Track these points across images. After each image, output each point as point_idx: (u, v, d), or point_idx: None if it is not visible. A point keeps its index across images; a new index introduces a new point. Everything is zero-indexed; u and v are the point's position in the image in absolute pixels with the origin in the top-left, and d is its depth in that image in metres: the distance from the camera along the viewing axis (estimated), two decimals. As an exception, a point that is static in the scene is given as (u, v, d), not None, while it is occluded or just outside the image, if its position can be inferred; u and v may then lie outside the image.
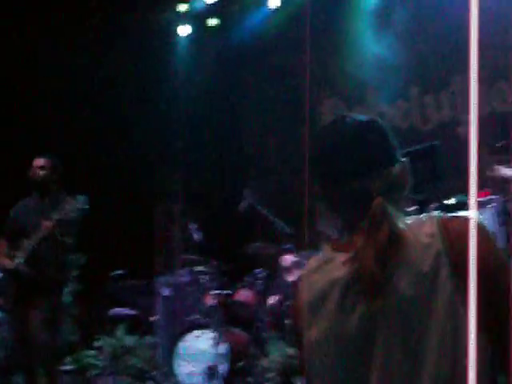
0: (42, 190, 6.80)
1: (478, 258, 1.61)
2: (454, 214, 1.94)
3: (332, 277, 1.85)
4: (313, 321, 1.86)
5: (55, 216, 6.55)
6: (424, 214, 1.91)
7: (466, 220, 1.78)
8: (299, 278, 1.98)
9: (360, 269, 1.80)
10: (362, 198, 1.88)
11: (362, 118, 2.02)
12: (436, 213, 1.91)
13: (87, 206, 6.71)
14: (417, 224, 1.85)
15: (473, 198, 2.00)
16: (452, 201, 5.73)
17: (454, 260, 1.76)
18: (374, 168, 1.92)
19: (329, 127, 2.06)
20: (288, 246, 8.23)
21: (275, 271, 8.37)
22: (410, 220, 1.87)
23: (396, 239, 1.80)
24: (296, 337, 1.98)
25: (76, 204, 6.66)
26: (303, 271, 1.98)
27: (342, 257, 1.86)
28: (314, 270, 1.92)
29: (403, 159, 1.97)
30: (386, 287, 1.77)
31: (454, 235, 1.79)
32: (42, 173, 6.73)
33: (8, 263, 6.80)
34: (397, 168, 1.92)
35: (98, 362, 7.67)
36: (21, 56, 10.48)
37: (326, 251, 1.95)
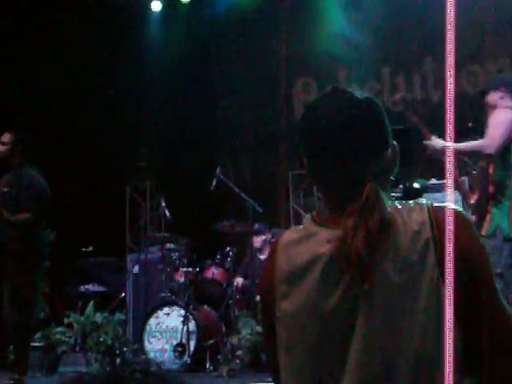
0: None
1: (460, 248, 1.66)
2: (442, 205, 1.86)
3: (316, 251, 1.81)
4: (291, 292, 1.83)
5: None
6: (413, 201, 1.88)
7: (454, 212, 1.75)
8: (275, 248, 1.92)
9: (348, 249, 1.76)
10: (356, 181, 1.85)
11: (360, 95, 1.94)
12: (424, 200, 1.88)
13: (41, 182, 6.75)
14: (407, 210, 1.83)
15: (449, 178, 1.97)
16: (416, 185, 5.75)
17: (440, 247, 1.73)
18: (373, 152, 1.88)
19: (325, 103, 1.96)
20: (260, 226, 8.24)
21: (245, 249, 8.39)
22: (400, 205, 1.85)
23: (387, 224, 1.79)
24: (263, 305, 1.97)
25: (24, 178, 6.70)
26: (281, 241, 1.91)
27: (326, 233, 1.83)
28: (294, 241, 1.87)
29: (394, 142, 1.93)
30: (373, 270, 1.75)
31: (442, 224, 1.76)
32: (2, 148, 6.76)
33: None
34: (389, 151, 1.90)
35: (67, 339, 7.62)
36: None
37: (308, 225, 1.90)
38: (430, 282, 1.75)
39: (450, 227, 1.08)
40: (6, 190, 6.73)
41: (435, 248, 1.76)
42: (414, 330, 1.74)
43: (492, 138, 5.47)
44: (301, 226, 1.94)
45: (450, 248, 1.09)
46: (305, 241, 1.85)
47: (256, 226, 8.17)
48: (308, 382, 1.81)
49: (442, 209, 1.81)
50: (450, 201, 1.62)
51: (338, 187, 1.90)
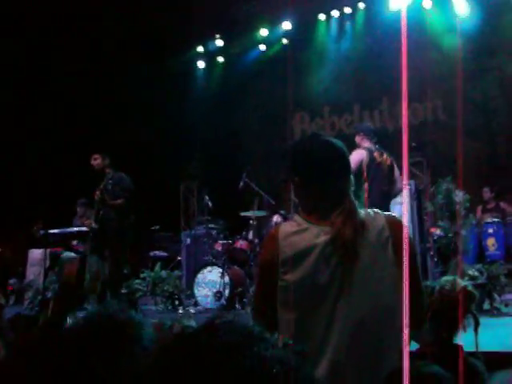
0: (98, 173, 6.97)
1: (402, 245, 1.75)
2: (390, 214, 2.00)
3: (313, 241, 1.83)
4: (294, 268, 1.81)
5: (101, 185, 6.74)
6: (371, 210, 1.94)
7: (399, 219, 1.93)
8: (276, 236, 1.88)
9: (340, 238, 1.80)
10: (339, 194, 1.91)
11: (331, 138, 2.03)
12: (377, 210, 1.96)
13: (127, 180, 6.83)
14: (371, 215, 1.90)
15: (405, 188, 2.10)
16: None
17: (395, 242, 1.84)
18: (348, 173, 1.96)
19: (317, 142, 1.98)
20: (281, 211, 8.13)
21: (263, 228, 8.36)
22: (364, 212, 1.91)
23: (362, 224, 1.86)
24: (265, 275, 1.90)
25: (117, 177, 6.80)
26: (281, 232, 1.88)
27: (315, 228, 1.85)
28: (292, 233, 1.86)
29: None
30: (355, 253, 1.81)
31: (394, 227, 1.88)
32: (95, 162, 6.87)
33: (88, 222, 6.99)
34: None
35: (142, 288, 7.61)
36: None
37: (299, 221, 1.90)
38: (390, 264, 1.82)
39: (405, 230, 1.18)
40: (105, 182, 6.86)
41: (392, 242, 1.84)
42: (381, 294, 1.81)
43: None
44: (293, 222, 1.92)
45: (406, 243, 1.19)
46: (301, 233, 1.86)
47: (278, 211, 8.07)
48: (308, 329, 1.80)
49: (392, 216, 1.94)
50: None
51: (326, 197, 1.91)
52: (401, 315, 1.21)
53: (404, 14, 1.43)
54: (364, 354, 1.77)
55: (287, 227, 1.90)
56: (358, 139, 5.73)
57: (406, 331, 1.24)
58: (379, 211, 1.96)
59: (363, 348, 1.77)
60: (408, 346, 1.14)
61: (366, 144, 5.64)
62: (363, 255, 1.81)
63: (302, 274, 1.81)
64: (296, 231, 1.87)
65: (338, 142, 1.99)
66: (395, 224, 1.89)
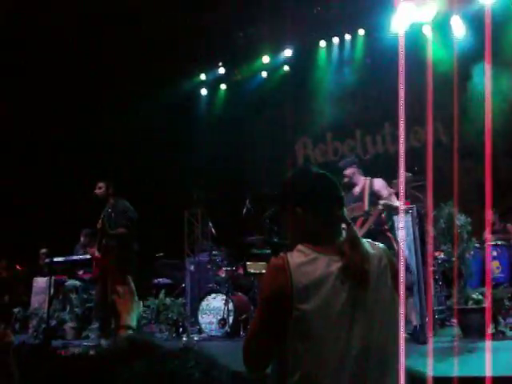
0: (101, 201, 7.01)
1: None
2: (383, 245, 2.05)
3: (326, 269, 1.85)
4: (310, 297, 1.81)
5: (102, 214, 6.77)
6: (366, 240, 2.00)
7: (390, 252, 2.01)
8: (287, 267, 1.85)
9: (352, 266, 1.86)
10: (338, 222, 1.98)
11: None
12: (377, 243, 2.03)
13: (130, 208, 6.87)
14: (369, 245, 1.98)
15: (401, 207, 2.18)
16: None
17: (391, 269, 1.95)
18: (343, 203, 2.02)
19: (315, 174, 2.04)
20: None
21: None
22: (364, 241, 1.98)
23: (366, 251, 1.92)
24: (276, 306, 1.84)
25: (119, 206, 6.82)
26: (292, 263, 1.86)
27: (324, 257, 1.88)
28: (304, 263, 1.86)
29: None
30: (366, 281, 1.87)
31: (389, 256, 1.98)
32: (99, 191, 6.91)
33: (92, 251, 7.02)
34: None
35: (146, 315, 7.62)
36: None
37: (305, 251, 1.90)
38: (389, 288, 1.92)
39: (401, 259, 1.22)
40: (107, 211, 6.88)
41: (390, 269, 1.94)
42: (387, 319, 1.88)
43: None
44: (297, 253, 1.90)
45: (401, 268, 1.23)
46: (313, 262, 1.86)
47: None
48: (325, 357, 1.80)
49: (385, 247, 2.02)
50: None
51: (330, 226, 1.96)
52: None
53: (402, 40, 1.47)
54: (373, 378, 1.82)
55: (295, 257, 1.88)
56: (350, 171, 5.89)
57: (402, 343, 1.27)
58: (377, 243, 2.03)
59: (373, 372, 1.82)
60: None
61: (361, 175, 5.98)
62: (371, 281, 1.87)
63: (320, 302, 1.82)
64: (307, 261, 1.87)
65: (333, 177, 2.06)
66: (389, 254, 2.00)
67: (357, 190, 5.92)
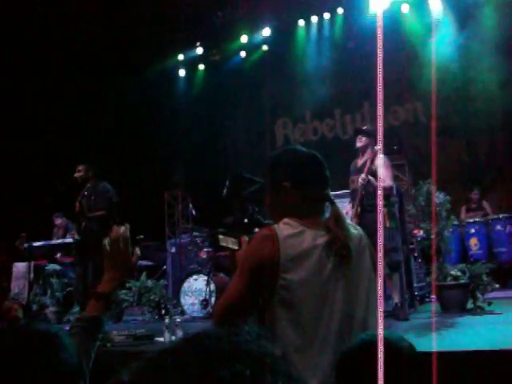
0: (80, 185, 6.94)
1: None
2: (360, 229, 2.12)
3: (313, 242, 1.91)
4: (297, 267, 1.85)
5: (79, 197, 6.70)
6: (350, 222, 2.10)
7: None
8: (276, 237, 1.88)
9: (337, 241, 1.92)
10: (324, 200, 2.03)
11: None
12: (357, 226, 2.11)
13: (110, 191, 6.79)
14: (353, 227, 2.06)
15: (379, 191, 2.19)
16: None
17: (370, 250, 2.04)
18: (328, 184, 2.07)
19: (305, 152, 2.08)
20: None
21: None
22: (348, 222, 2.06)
23: (349, 230, 2.00)
24: (263, 273, 1.86)
25: (99, 189, 6.76)
26: (280, 234, 1.89)
27: (310, 231, 1.93)
28: (291, 235, 1.90)
29: None
30: (349, 257, 1.93)
31: (367, 240, 2.06)
32: (79, 174, 6.83)
33: (72, 235, 6.94)
34: None
35: (128, 298, 7.61)
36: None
37: (293, 224, 1.94)
38: (368, 267, 1.99)
39: (380, 239, 1.21)
40: (86, 193, 6.80)
41: (368, 250, 2.02)
42: (366, 294, 1.95)
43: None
44: (285, 225, 1.94)
45: (380, 247, 1.22)
46: (300, 235, 1.91)
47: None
48: (307, 327, 1.85)
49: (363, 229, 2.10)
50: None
51: (317, 203, 2.02)
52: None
53: (380, 18, 1.44)
54: None
55: (283, 229, 1.91)
56: (367, 141, 5.78)
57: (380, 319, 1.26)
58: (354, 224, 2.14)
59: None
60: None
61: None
62: (353, 258, 1.94)
63: (306, 273, 1.86)
64: (294, 233, 1.91)
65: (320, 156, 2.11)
66: (367, 237, 2.08)
67: (360, 161, 5.83)
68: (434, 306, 5.89)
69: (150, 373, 0.73)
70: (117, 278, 1.78)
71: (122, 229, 1.81)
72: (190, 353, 0.73)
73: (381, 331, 1.12)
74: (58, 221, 9.27)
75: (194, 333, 0.78)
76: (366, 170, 5.59)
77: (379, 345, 1.04)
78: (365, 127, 6.21)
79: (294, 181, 2.00)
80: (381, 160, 5.65)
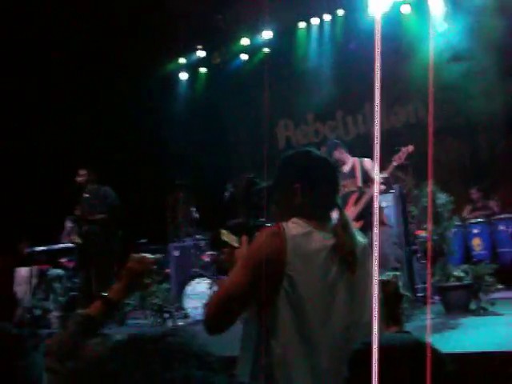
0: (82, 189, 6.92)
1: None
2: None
3: (322, 243, 1.92)
4: (305, 267, 1.86)
5: (81, 201, 6.72)
6: (357, 230, 2.10)
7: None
8: (283, 236, 1.87)
9: (344, 246, 1.94)
10: (332, 204, 2.05)
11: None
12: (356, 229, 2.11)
13: (112, 195, 6.77)
14: (357, 231, 2.08)
15: (376, 189, 2.21)
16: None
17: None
18: (338, 190, 2.09)
19: (316, 154, 2.10)
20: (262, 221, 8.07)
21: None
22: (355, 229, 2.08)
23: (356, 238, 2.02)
24: (266, 268, 1.83)
25: (100, 193, 6.76)
26: (289, 233, 1.89)
27: (317, 233, 1.94)
28: (300, 235, 1.90)
29: None
30: (354, 263, 1.94)
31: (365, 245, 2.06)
32: (80, 179, 6.81)
33: (73, 238, 6.94)
34: None
35: (131, 302, 7.56)
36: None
37: (301, 224, 1.94)
38: (371, 276, 1.89)
39: (375, 242, 1.20)
40: (87, 197, 6.79)
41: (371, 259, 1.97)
42: (366, 299, 1.89)
43: None
44: (293, 224, 1.93)
45: (375, 251, 1.21)
46: (308, 235, 1.91)
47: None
48: (308, 327, 1.85)
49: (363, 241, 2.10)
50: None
51: (325, 206, 2.04)
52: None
53: (378, 20, 1.44)
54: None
55: (291, 228, 1.91)
56: (339, 154, 5.90)
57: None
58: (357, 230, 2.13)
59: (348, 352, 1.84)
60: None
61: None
62: (358, 264, 1.95)
63: (312, 273, 1.87)
64: (303, 233, 1.91)
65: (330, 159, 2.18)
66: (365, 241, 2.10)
67: (346, 168, 5.95)
68: (438, 307, 5.85)
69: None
70: (127, 292, 1.81)
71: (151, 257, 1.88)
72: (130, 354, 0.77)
73: (375, 333, 1.11)
74: (70, 224, 9.23)
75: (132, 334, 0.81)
76: (371, 174, 5.69)
77: (373, 346, 1.03)
78: (322, 148, 6.26)
79: (305, 183, 2.00)
80: (369, 163, 5.73)
